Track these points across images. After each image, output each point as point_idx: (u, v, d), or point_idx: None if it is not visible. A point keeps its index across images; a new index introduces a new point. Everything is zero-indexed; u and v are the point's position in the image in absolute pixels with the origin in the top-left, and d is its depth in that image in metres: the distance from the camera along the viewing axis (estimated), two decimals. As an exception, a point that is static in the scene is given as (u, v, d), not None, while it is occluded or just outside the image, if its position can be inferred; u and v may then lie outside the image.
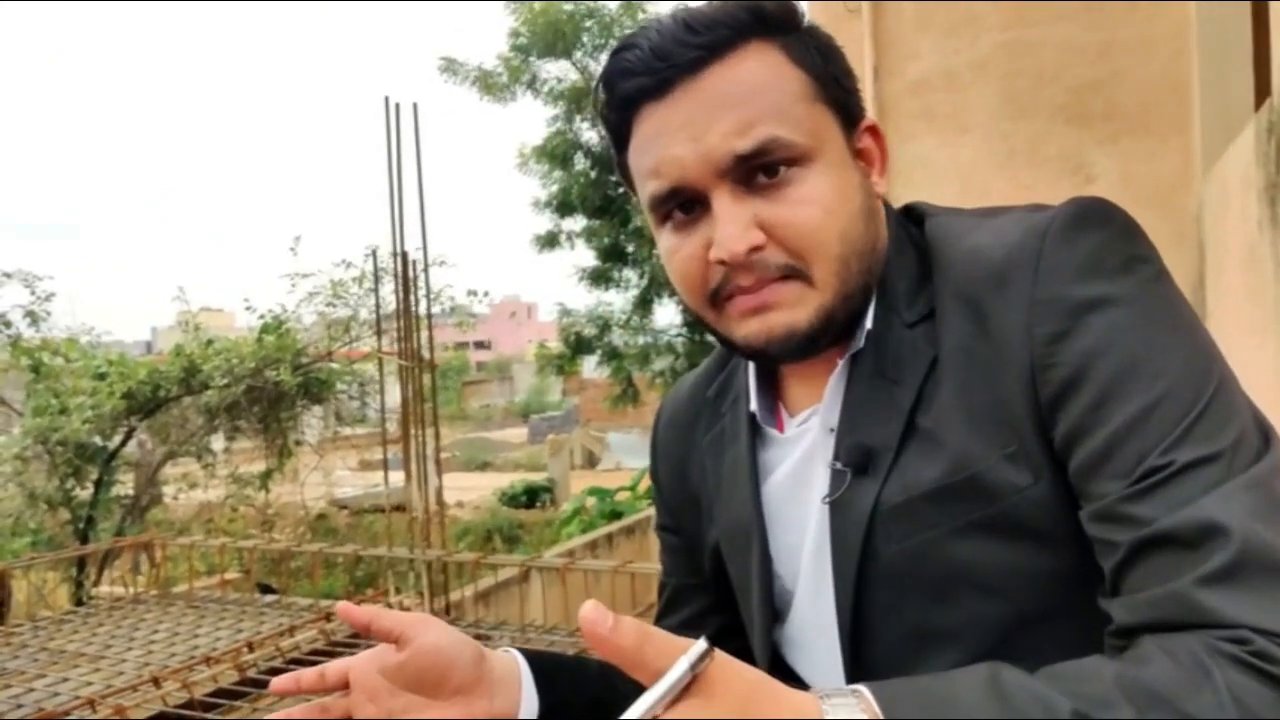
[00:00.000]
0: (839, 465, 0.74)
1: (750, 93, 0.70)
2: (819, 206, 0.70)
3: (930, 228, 0.76)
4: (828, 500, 0.75)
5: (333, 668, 0.77)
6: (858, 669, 0.74)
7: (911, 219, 0.79)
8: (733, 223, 0.69)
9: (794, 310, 0.71)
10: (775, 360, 0.79)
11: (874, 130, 0.78)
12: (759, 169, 0.70)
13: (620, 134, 0.75)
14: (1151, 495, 0.59)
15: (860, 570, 0.72)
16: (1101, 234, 0.67)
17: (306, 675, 0.76)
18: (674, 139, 0.70)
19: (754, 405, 0.82)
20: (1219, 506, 0.57)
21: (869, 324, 0.74)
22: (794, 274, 0.71)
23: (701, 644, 0.50)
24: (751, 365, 0.83)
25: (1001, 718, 0.51)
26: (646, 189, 0.73)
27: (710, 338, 0.80)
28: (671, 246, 0.74)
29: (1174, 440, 0.60)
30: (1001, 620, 0.69)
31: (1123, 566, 0.60)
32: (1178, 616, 0.56)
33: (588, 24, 11.29)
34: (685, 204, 0.72)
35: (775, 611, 0.82)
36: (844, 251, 0.71)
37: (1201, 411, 0.60)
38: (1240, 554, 0.55)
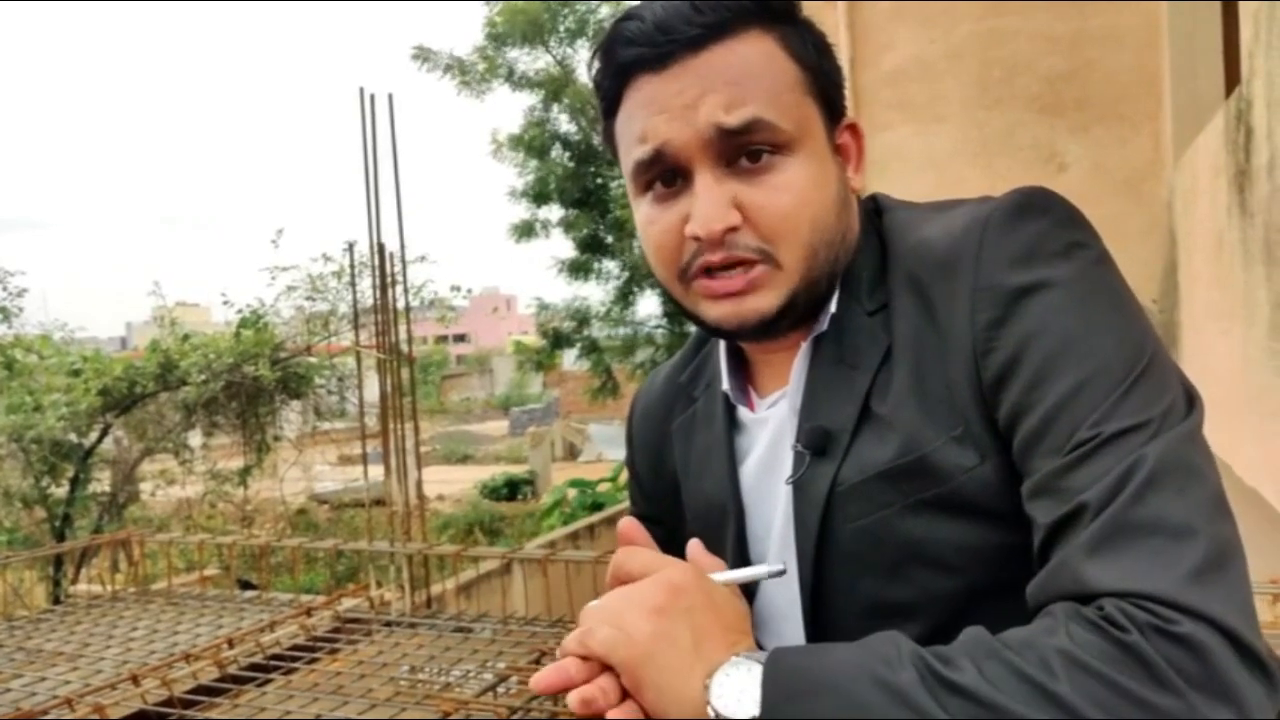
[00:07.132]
0: (799, 447, 0.76)
1: (744, 74, 0.72)
2: (795, 194, 0.72)
3: (887, 221, 0.79)
4: (789, 481, 0.77)
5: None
6: None
7: (874, 212, 0.82)
8: (712, 201, 0.71)
9: (763, 295, 0.73)
10: (741, 340, 0.81)
11: (854, 128, 0.80)
12: (743, 152, 0.72)
13: (612, 100, 0.77)
14: (1079, 467, 0.61)
15: (819, 548, 0.75)
16: (1040, 222, 0.69)
17: (573, 666, 0.62)
18: (664, 108, 0.72)
19: (726, 385, 0.84)
20: None
21: (833, 308, 0.77)
22: (764, 257, 0.73)
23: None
24: (723, 349, 0.85)
25: (858, 657, 0.57)
26: (631, 155, 0.75)
27: (691, 328, 0.82)
28: (649, 217, 0.76)
29: (1103, 414, 0.62)
30: (954, 595, 0.70)
31: (1042, 546, 0.63)
32: (1063, 588, 0.59)
33: (564, 13, 11.26)
34: (667, 176, 0.74)
35: (748, 593, 0.83)
36: (813, 240, 0.73)
37: (1131, 386, 0.62)
38: (1112, 522, 0.58)
